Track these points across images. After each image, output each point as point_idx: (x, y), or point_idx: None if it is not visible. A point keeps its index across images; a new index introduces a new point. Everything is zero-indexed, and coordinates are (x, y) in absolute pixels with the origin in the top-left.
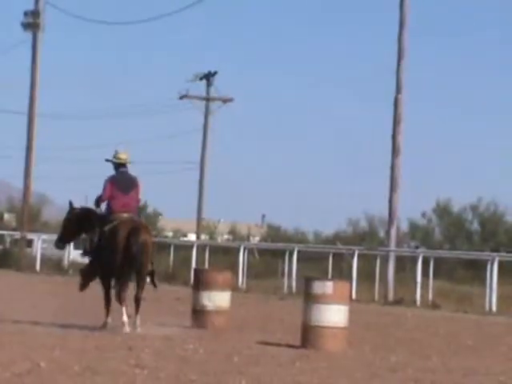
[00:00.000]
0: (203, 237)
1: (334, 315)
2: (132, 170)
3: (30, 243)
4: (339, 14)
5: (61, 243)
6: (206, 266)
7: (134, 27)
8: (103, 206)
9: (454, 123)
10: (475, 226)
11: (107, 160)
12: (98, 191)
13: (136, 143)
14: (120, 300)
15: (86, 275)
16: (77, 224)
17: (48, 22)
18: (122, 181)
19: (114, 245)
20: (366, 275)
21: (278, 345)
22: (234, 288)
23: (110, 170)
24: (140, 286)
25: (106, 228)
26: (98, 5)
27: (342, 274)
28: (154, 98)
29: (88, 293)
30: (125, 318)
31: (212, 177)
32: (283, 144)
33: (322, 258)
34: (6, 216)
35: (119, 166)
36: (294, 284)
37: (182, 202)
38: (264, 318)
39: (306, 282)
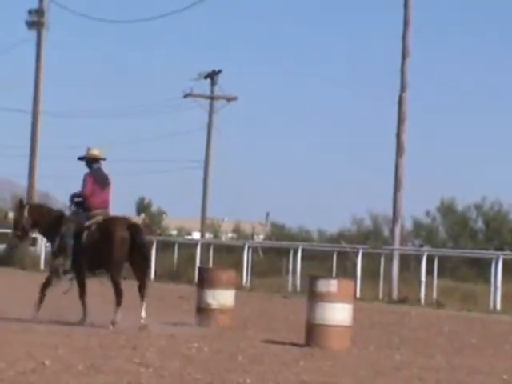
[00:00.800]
0: (207, 235)
1: (338, 314)
2: (135, 168)
3: (34, 242)
4: (343, 13)
5: (15, 241)
6: (211, 264)
7: (138, 26)
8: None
9: (459, 122)
10: (479, 224)
11: (80, 158)
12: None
13: (140, 142)
14: (143, 296)
15: (58, 272)
16: (29, 220)
17: (52, 21)
18: (99, 177)
19: (112, 240)
20: (371, 274)
21: (283, 343)
22: (238, 286)
23: (117, 167)
24: (145, 274)
25: (89, 223)
26: (102, 3)
27: (346, 272)
28: (157, 96)
29: (90, 292)
30: (144, 313)
31: (216, 175)
32: (287, 142)
33: (327, 257)
34: (11, 214)
35: (92, 162)
36: (298, 282)
37: (186, 200)
38: (268, 317)
39: (311, 281)
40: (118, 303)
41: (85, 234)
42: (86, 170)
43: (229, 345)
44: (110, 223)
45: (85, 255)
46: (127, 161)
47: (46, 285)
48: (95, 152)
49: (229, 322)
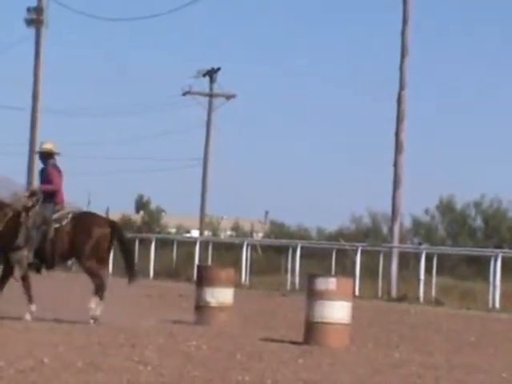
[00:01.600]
0: (206, 233)
1: (337, 312)
2: (134, 166)
3: None
4: (342, 12)
5: None
6: (209, 262)
7: (138, 24)
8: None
9: (458, 120)
10: (478, 222)
11: (37, 152)
12: (103, 188)
13: (139, 140)
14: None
15: (22, 264)
16: None
17: (51, 19)
18: (59, 172)
19: (94, 235)
20: (369, 272)
21: (281, 341)
22: (237, 284)
23: (116, 165)
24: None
25: (57, 217)
26: (101, 1)
27: (345, 270)
28: (156, 94)
29: (88, 289)
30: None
31: (215, 173)
32: (286, 140)
33: (325, 255)
34: None
35: (47, 157)
36: (297, 280)
37: (185, 198)
38: (267, 315)
39: (309, 279)
40: (101, 297)
41: (52, 227)
42: (88, 168)
43: (228, 343)
44: (90, 219)
45: (52, 247)
46: (126, 158)
47: (24, 279)
48: (48, 146)
49: (228, 319)
